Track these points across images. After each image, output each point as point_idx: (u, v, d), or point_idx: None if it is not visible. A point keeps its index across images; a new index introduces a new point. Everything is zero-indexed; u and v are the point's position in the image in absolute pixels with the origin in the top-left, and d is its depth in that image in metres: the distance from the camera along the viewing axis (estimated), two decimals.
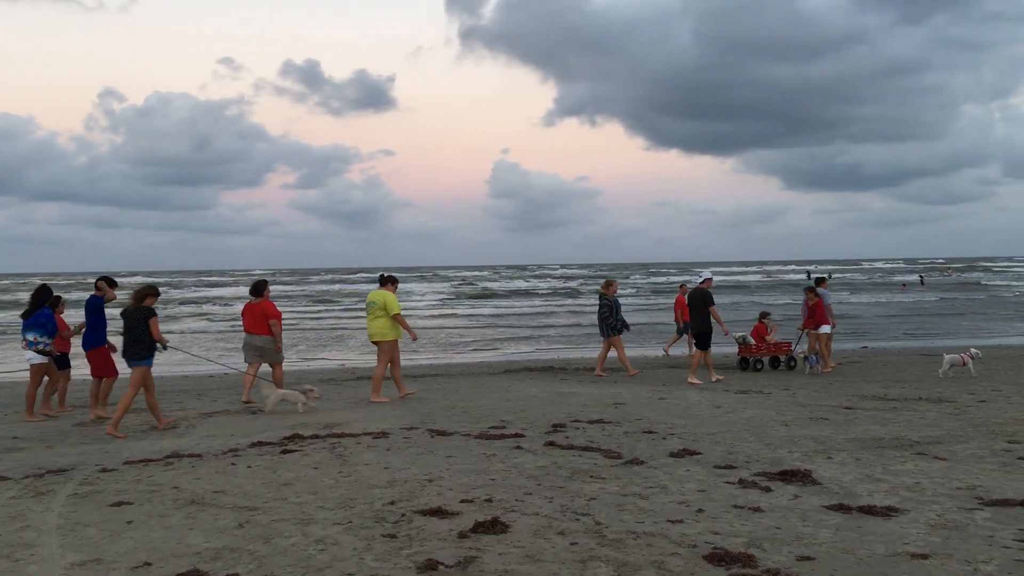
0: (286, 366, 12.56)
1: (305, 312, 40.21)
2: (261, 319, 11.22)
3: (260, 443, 7.94)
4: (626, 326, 14.53)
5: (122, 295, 11.58)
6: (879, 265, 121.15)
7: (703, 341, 12.98)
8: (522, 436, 8.00)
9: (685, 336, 16.96)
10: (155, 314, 9.20)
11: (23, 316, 10.27)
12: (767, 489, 5.76)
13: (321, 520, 5.18)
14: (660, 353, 18.38)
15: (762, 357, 14.78)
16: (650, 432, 8.20)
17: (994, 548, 4.45)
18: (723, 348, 15.78)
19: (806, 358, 13.97)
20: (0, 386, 14.69)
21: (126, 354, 9.15)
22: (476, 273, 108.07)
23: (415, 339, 11.53)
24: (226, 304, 47.64)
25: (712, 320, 12.85)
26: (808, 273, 71.96)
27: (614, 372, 14.24)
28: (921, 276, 66.57)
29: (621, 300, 15.21)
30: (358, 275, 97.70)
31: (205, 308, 45.48)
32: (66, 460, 7.49)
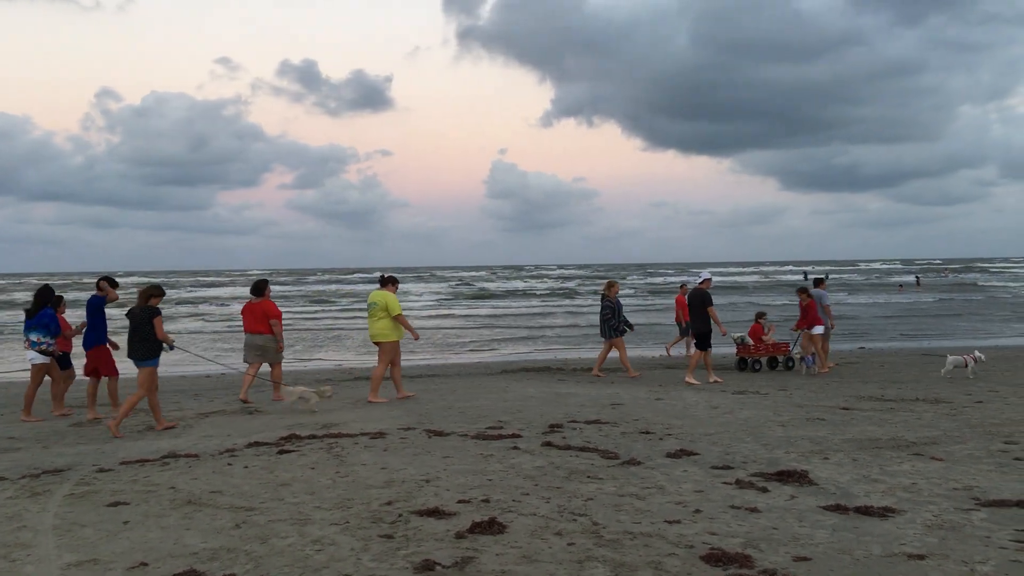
0: (283, 366, 12.55)
1: (302, 312, 40.16)
2: (262, 318, 11.27)
3: (257, 443, 7.94)
4: (630, 326, 14.53)
5: (123, 295, 11.57)
6: (876, 266, 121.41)
7: (703, 341, 13.00)
8: (519, 436, 8.00)
9: (687, 337, 16.96)
10: (159, 314, 9.18)
11: (27, 315, 10.25)
12: (764, 490, 5.77)
13: (318, 520, 5.18)
14: (659, 353, 18.40)
15: (760, 358, 14.80)
16: (647, 433, 8.20)
17: (991, 548, 4.46)
18: (722, 349, 15.78)
19: (803, 359, 13.99)
20: None
21: (132, 354, 9.10)
22: (473, 273, 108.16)
23: (417, 338, 11.56)
24: (223, 304, 47.60)
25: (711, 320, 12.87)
26: (805, 274, 72.01)
27: (611, 373, 14.24)
28: (917, 276, 66.67)
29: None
30: (355, 275, 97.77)
31: (202, 308, 45.42)
32: (62, 460, 7.47)
